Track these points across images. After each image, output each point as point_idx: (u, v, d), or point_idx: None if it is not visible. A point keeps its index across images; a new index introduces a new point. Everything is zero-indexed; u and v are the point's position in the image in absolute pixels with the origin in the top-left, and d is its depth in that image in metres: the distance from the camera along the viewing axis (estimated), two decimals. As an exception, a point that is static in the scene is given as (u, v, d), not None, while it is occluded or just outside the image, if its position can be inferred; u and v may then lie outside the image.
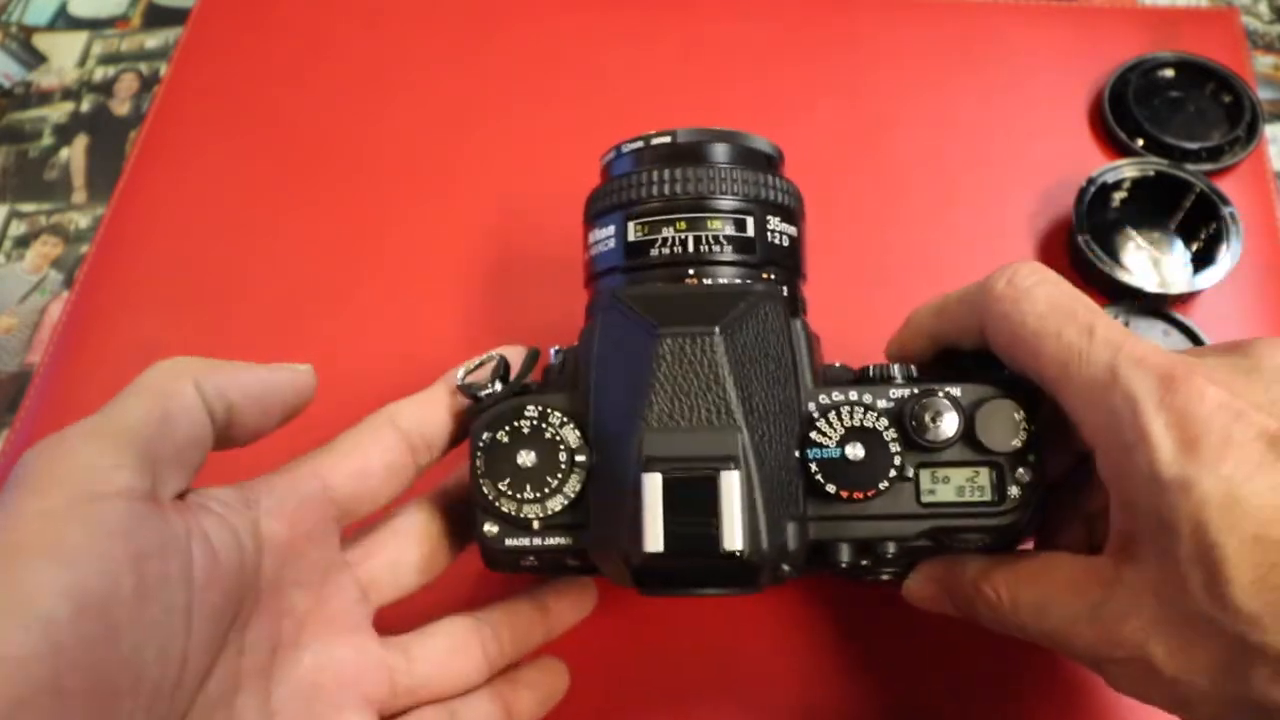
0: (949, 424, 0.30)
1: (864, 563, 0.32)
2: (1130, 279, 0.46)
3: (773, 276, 0.34)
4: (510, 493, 0.31)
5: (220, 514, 0.28)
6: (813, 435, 0.30)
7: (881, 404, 0.31)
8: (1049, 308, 0.29)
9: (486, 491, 0.31)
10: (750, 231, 0.33)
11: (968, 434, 0.31)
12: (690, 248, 0.32)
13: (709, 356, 0.30)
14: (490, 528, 0.32)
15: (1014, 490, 0.30)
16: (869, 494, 0.30)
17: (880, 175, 0.51)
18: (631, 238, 0.33)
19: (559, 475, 0.31)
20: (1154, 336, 0.46)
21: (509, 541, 0.31)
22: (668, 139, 0.34)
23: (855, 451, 0.30)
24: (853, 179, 0.51)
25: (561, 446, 0.31)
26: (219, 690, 0.28)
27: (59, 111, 0.63)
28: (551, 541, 0.31)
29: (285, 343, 0.48)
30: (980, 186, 0.51)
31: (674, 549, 0.28)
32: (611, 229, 0.34)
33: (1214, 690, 0.26)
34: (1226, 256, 0.46)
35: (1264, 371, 0.27)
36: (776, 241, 0.34)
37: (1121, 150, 0.51)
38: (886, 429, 0.30)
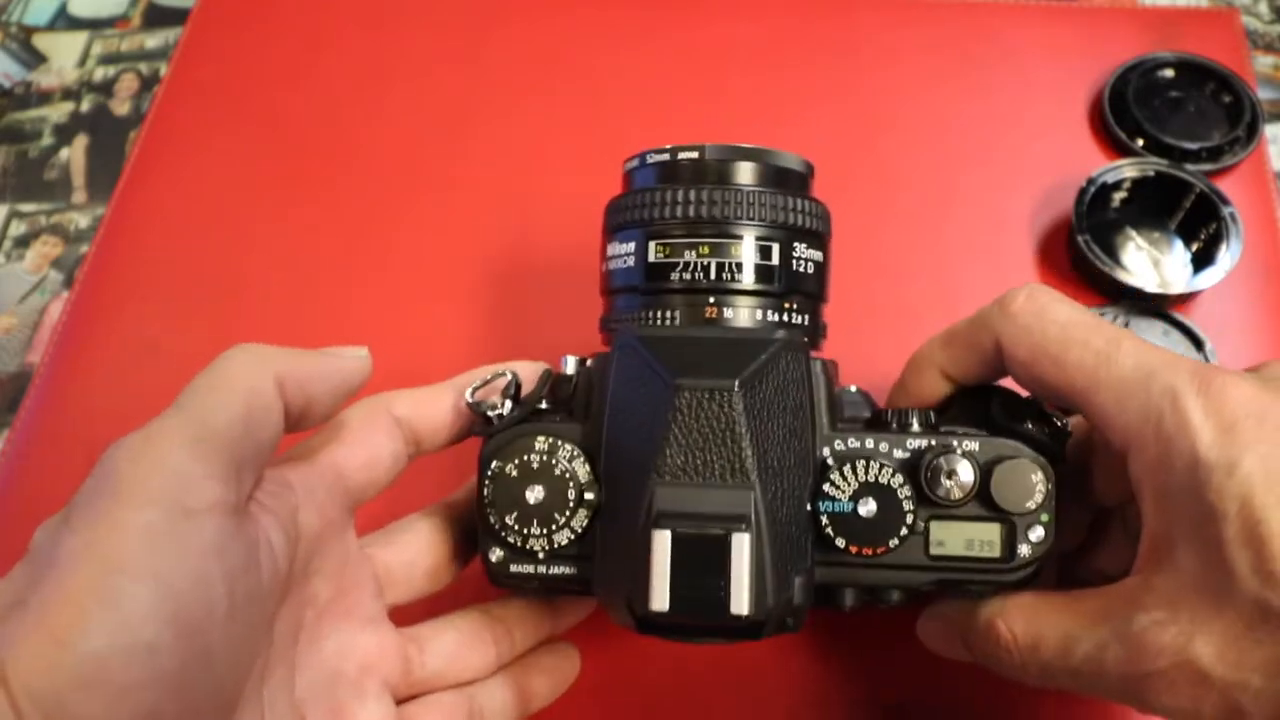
0: (963, 482, 0.30)
1: (866, 599, 0.32)
2: (1130, 279, 0.46)
3: (795, 306, 0.33)
4: (516, 526, 0.31)
5: (273, 510, 0.28)
6: (826, 488, 0.30)
7: (898, 454, 0.31)
8: (1071, 320, 0.29)
9: (493, 520, 0.31)
10: (775, 259, 0.32)
11: (982, 491, 0.30)
12: (712, 275, 0.32)
13: (726, 412, 0.29)
14: (496, 553, 0.32)
15: (1024, 550, 0.30)
16: (879, 551, 0.30)
17: (880, 175, 0.51)
18: (652, 258, 0.32)
19: (566, 511, 0.31)
20: (1154, 336, 0.46)
21: (514, 568, 0.32)
22: (694, 155, 0.33)
23: (868, 507, 0.30)
24: (852, 179, 0.51)
25: (570, 483, 0.31)
26: (253, 684, 0.28)
27: (59, 111, 0.63)
28: (556, 571, 0.31)
29: (286, 342, 0.48)
30: (980, 186, 0.51)
31: (680, 609, 0.28)
32: (631, 246, 0.33)
33: (1269, 686, 0.25)
34: (1226, 256, 0.46)
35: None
36: (801, 269, 0.33)
37: (1121, 150, 0.51)
38: (901, 485, 0.30)
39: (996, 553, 0.30)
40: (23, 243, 0.58)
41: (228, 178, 0.53)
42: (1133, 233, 0.49)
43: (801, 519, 0.30)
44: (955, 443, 0.30)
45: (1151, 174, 0.48)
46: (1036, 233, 0.49)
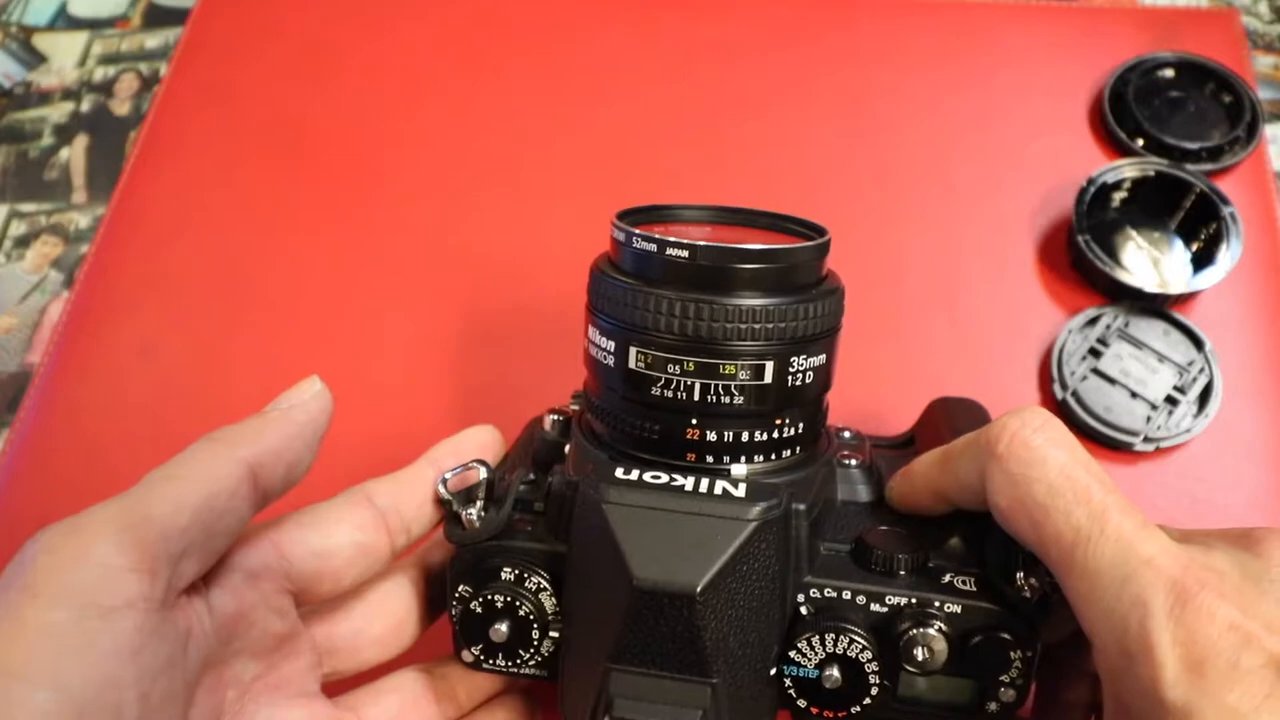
0: (936, 656, 0.29)
1: None
2: (1130, 279, 0.46)
3: (787, 420, 0.31)
4: (483, 656, 0.31)
5: (192, 595, 0.27)
6: (792, 654, 0.29)
7: (875, 608, 0.29)
8: (1060, 479, 0.26)
9: (463, 638, 0.31)
10: (768, 378, 0.29)
11: (956, 656, 0.29)
12: (695, 395, 0.29)
13: (685, 618, 0.28)
14: (468, 656, 0.31)
15: (992, 706, 0.29)
16: (840, 716, 0.29)
17: (880, 175, 0.51)
18: (632, 364, 0.30)
19: (531, 645, 0.31)
20: (1154, 336, 0.46)
21: (486, 666, 0.32)
22: (685, 254, 0.29)
23: (833, 679, 0.29)
24: (853, 179, 0.51)
25: (535, 620, 0.30)
26: None
27: (59, 111, 0.63)
28: (527, 672, 0.32)
29: (284, 343, 0.48)
30: (980, 186, 0.51)
31: None
32: (612, 345, 0.30)
33: None
34: (1226, 256, 0.46)
35: (1275, 580, 0.26)
36: (798, 382, 0.30)
37: (1121, 150, 0.51)
38: (869, 661, 0.29)
39: (965, 699, 0.30)
40: (23, 243, 0.58)
41: (227, 178, 0.53)
42: (1133, 232, 0.49)
43: (763, 684, 0.29)
44: (936, 603, 0.29)
45: (1151, 174, 0.48)
46: (1036, 233, 0.49)
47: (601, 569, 0.29)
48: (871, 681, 0.29)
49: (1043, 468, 0.26)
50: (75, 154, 0.62)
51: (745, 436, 0.30)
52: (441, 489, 0.31)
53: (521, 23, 0.57)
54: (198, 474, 0.26)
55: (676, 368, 0.29)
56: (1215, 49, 0.53)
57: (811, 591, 0.29)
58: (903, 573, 0.29)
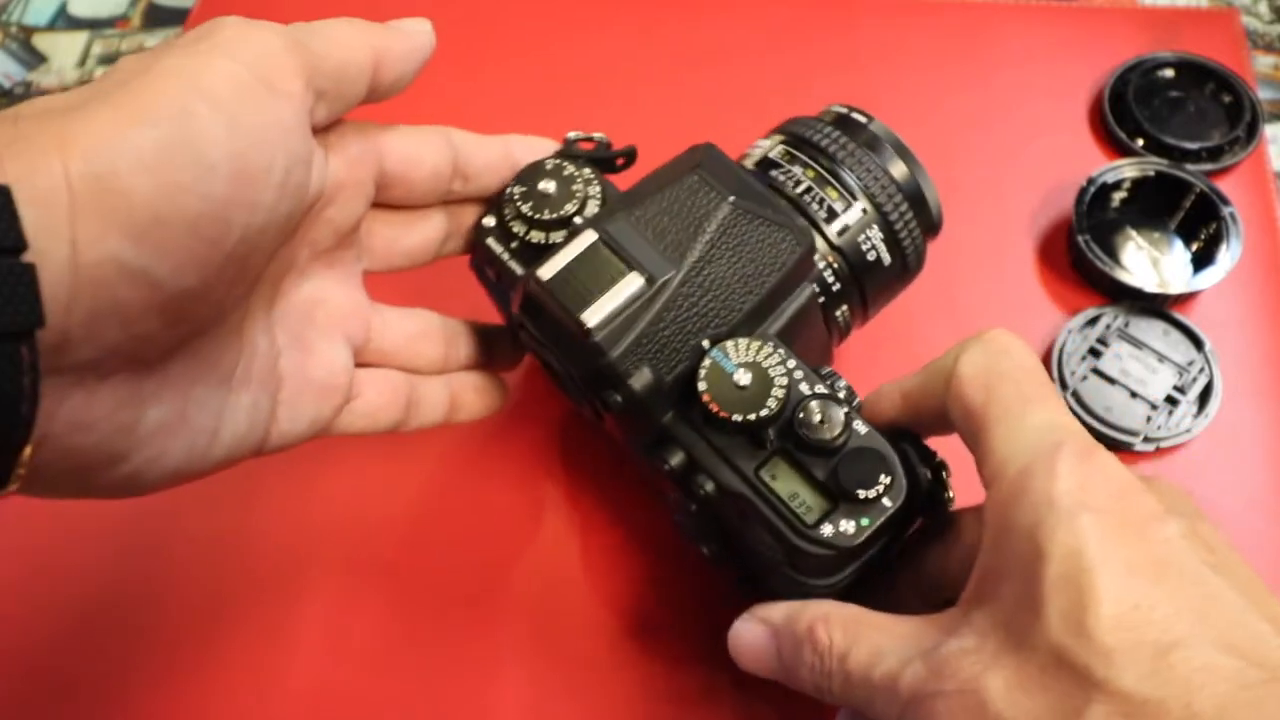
0: (824, 432, 0.30)
1: (692, 507, 0.32)
2: (1130, 279, 0.46)
3: (836, 265, 0.36)
4: (516, 196, 0.34)
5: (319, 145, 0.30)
6: (727, 341, 0.31)
7: (803, 387, 0.31)
8: (1024, 363, 0.30)
9: (506, 190, 0.35)
10: (849, 219, 0.36)
11: (835, 462, 0.30)
12: (800, 190, 0.36)
13: (708, 208, 0.32)
14: (489, 219, 0.35)
15: (827, 529, 0.29)
16: (723, 414, 0.30)
17: (880, 175, 0.51)
18: (769, 152, 0.38)
19: (557, 215, 0.34)
20: (1154, 336, 0.46)
21: (489, 240, 0.35)
22: (864, 119, 0.39)
23: (742, 378, 0.30)
24: (853, 179, 0.51)
25: (576, 199, 0.34)
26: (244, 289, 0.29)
27: (59, 111, 0.63)
28: (513, 265, 0.35)
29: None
30: (980, 186, 0.51)
31: (554, 286, 0.31)
32: (769, 142, 0.38)
33: None
34: (1226, 256, 0.46)
35: (1158, 486, 0.28)
36: (862, 246, 0.36)
37: (1121, 150, 0.51)
38: (781, 390, 0.30)
39: (805, 517, 0.30)
40: (23, 243, 0.58)
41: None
42: (1133, 233, 0.49)
43: (691, 344, 0.32)
44: (852, 410, 0.31)
45: (1151, 174, 0.48)
46: (1036, 233, 0.49)
47: (668, 173, 0.34)
48: (770, 404, 0.30)
49: (1010, 355, 0.30)
50: (75, 154, 0.62)
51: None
52: (569, 134, 0.37)
53: (521, 22, 0.57)
54: (339, 39, 0.29)
55: (798, 168, 0.37)
56: (1215, 49, 0.53)
57: (769, 343, 0.32)
58: (842, 392, 0.32)
